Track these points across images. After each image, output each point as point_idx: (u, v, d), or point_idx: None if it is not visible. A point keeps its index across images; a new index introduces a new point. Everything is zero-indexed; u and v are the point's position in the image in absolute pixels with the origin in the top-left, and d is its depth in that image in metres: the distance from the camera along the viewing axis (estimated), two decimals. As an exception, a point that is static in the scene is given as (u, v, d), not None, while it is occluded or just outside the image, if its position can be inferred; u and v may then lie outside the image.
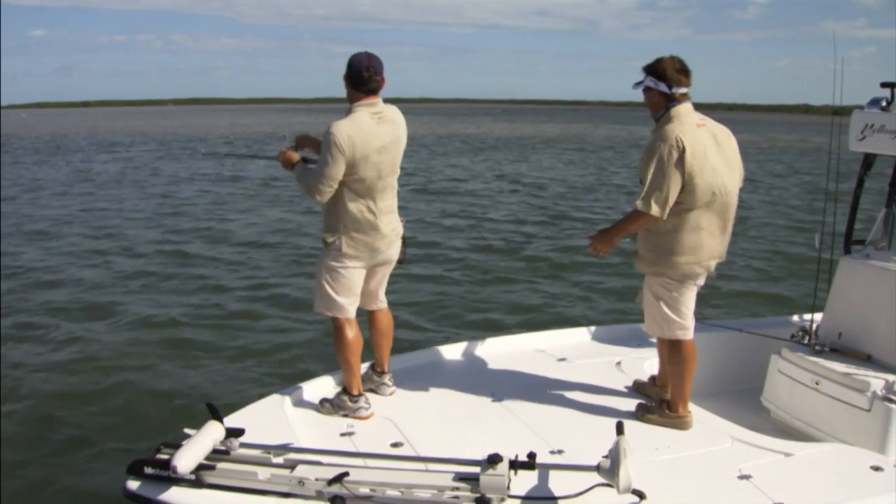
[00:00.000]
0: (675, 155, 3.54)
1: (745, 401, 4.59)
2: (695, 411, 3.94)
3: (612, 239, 3.82)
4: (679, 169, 3.55)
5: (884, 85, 4.20)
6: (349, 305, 3.88)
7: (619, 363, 4.58)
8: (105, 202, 18.51)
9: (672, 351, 3.89)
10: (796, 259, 11.91)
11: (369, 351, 4.08)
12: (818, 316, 4.54)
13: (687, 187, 3.58)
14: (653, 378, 4.25)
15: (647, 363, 4.59)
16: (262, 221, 15.69)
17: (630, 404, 3.99)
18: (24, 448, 5.36)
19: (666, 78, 3.65)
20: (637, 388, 4.28)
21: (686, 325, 3.82)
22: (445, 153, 35.12)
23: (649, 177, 3.59)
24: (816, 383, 4.06)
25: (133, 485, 2.92)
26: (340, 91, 3.82)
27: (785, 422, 4.30)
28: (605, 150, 39.60)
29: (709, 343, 4.93)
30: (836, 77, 4.10)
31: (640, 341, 4.92)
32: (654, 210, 3.58)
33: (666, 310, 3.81)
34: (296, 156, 3.90)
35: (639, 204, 3.63)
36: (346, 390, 3.89)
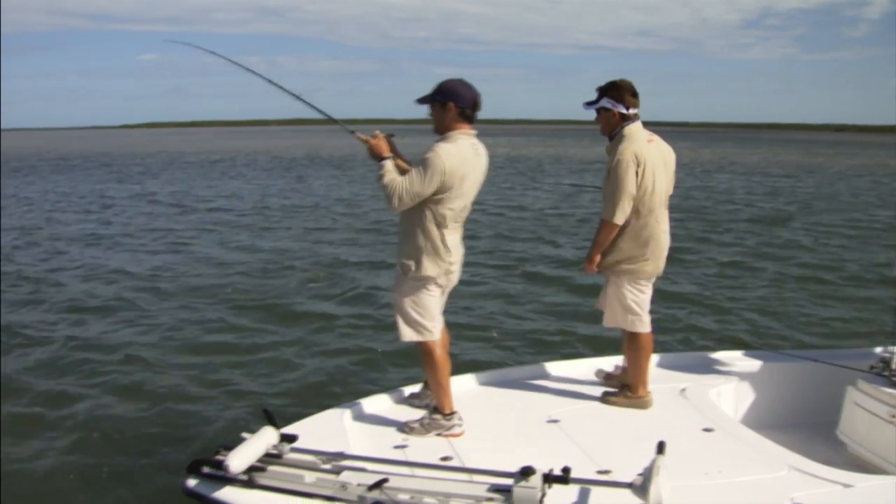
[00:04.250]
0: (632, 169, 4.03)
1: (820, 434, 4.40)
2: (759, 441, 3.81)
3: (593, 256, 4.26)
4: (637, 181, 4.04)
5: None
6: (435, 329, 3.92)
7: (683, 390, 4.47)
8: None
9: (631, 341, 4.33)
10: (879, 286, 11.18)
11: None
12: None
13: (643, 197, 4.08)
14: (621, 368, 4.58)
15: (712, 390, 4.46)
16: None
17: (692, 429, 3.90)
18: (95, 448, 5.53)
19: (623, 100, 4.11)
20: (603, 377, 4.61)
21: (644, 319, 4.29)
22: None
23: (611, 189, 4.08)
24: (893, 416, 3.86)
25: (191, 483, 3.10)
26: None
27: (861, 456, 4.10)
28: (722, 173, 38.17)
29: (783, 373, 4.75)
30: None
31: (706, 369, 4.78)
32: (616, 218, 4.08)
33: (628, 305, 4.26)
34: (387, 150, 3.82)
35: (603, 215, 4.14)
36: (437, 409, 3.93)
